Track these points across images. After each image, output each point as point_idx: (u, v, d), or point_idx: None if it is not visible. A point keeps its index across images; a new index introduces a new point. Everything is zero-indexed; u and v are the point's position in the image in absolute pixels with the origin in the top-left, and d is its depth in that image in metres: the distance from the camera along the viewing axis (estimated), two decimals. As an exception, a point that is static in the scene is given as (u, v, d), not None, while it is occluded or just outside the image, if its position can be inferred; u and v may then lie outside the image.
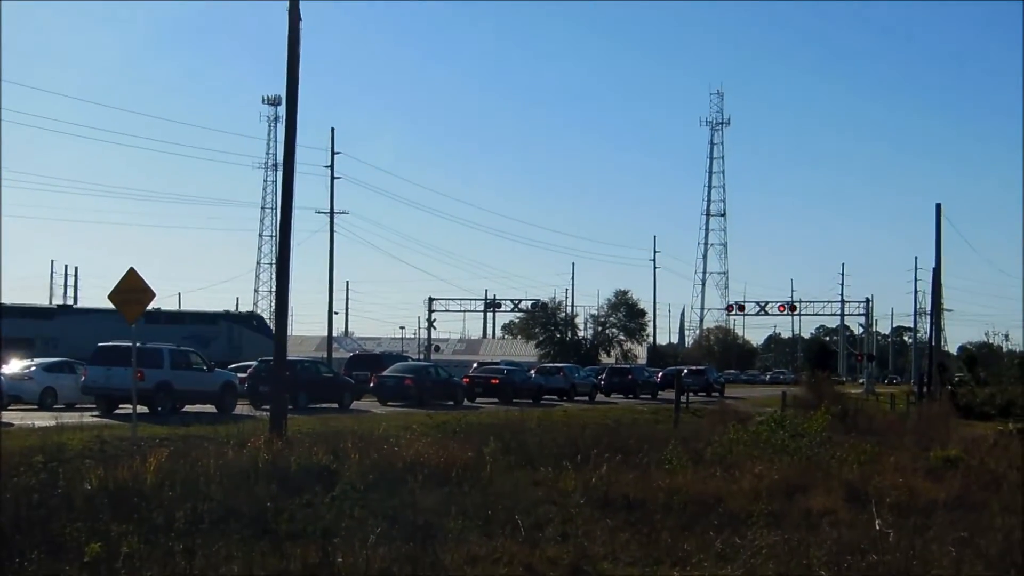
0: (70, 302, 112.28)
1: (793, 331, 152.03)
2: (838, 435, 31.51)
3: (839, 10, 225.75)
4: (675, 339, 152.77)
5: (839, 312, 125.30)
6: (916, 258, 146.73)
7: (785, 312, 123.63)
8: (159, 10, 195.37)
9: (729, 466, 24.06)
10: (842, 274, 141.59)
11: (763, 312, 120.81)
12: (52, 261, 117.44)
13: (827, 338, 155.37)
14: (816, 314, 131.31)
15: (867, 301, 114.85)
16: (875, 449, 27.75)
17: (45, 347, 55.27)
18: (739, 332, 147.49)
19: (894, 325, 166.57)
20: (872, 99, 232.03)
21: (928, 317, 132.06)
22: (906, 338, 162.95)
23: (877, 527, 16.61)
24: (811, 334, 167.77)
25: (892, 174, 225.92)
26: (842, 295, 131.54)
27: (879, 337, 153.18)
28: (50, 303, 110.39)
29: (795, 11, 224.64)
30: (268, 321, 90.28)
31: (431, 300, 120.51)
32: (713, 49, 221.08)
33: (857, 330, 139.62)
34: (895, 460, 26.17)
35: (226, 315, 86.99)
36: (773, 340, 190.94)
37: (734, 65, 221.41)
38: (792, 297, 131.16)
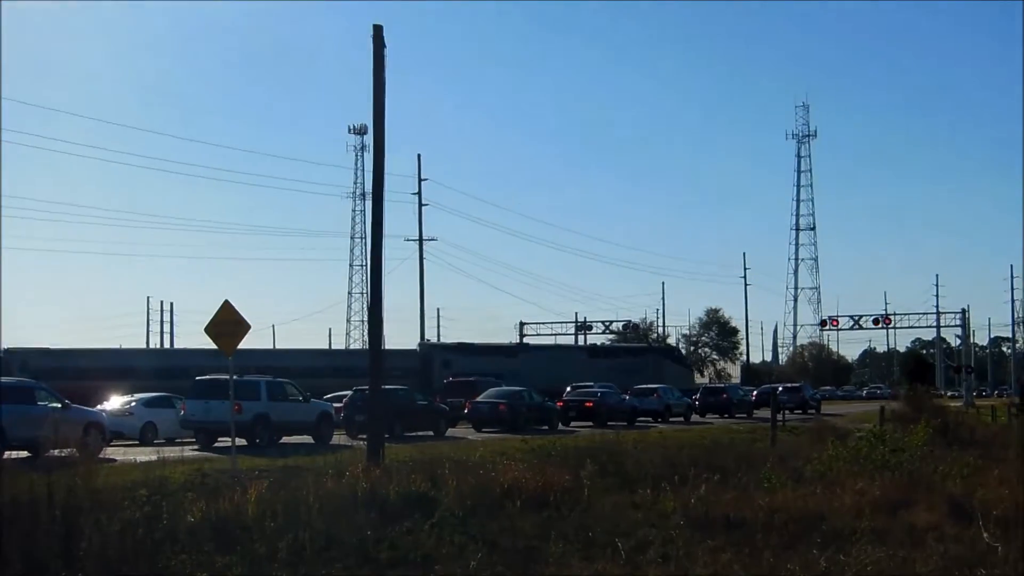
0: (167, 338, 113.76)
1: (888, 345, 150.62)
2: (939, 449, 31.06)
3: (926, 18, 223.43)
4: (768, 357, 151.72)
5: (935, 324, 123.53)
6: (1012, 267, 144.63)
7: (880, 326, 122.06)
8: (243, 42, 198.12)
9: (829, 483, 23.79)
10: (936, 285, 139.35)
11: (857, 326, 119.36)
12: (148, 298, 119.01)
13: (924, 351, 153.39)
14: (911, 327, 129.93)
15: (963, 312, 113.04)
16: (978, 462, 27.32)
17: (511, 382, 61.35)
18: (833, 347, 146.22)
19: (992, 336, 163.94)
20: (960, 108, 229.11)
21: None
22: (1004, 348, 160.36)
23: (984, 541, 16.34)
24: (907, 347, 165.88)
25: (985, 182, 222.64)
26: (937, 306, 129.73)
27: (977, 348, 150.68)
28: (147, 340, 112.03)
29: (881, 21, 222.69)
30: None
31: (522, 324, 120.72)
32: (798, 61, 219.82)
33: (954, 342, 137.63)
34: (999, 473, 25.70)
35: (650, 348, 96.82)
36: (868, 355, 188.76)
37: (820, 77, 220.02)
38: (886, 310, 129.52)
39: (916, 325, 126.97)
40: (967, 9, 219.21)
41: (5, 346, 63.78)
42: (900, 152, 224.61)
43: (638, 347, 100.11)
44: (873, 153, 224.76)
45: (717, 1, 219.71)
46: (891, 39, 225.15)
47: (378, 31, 28.37)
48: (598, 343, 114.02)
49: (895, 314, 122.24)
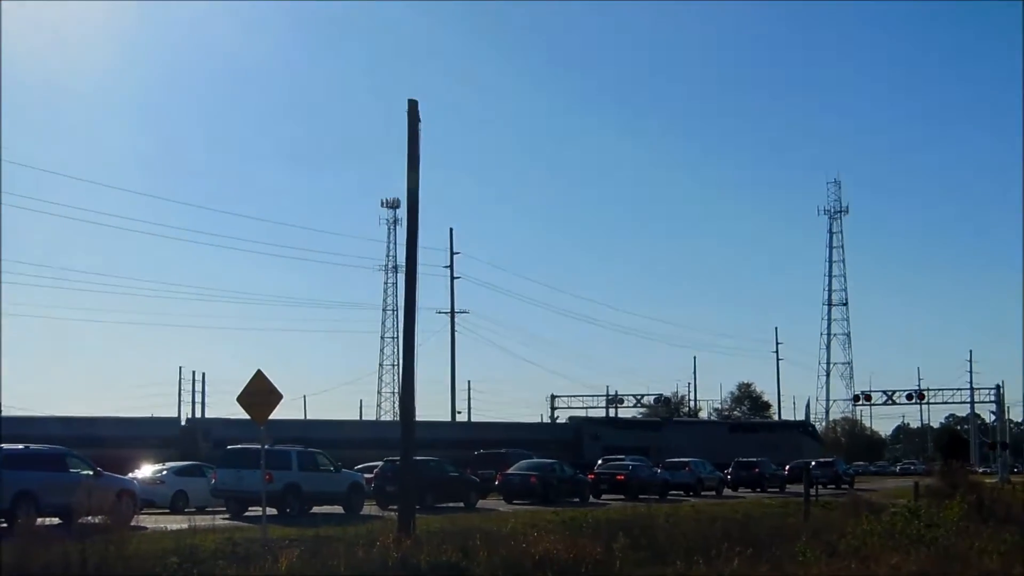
0: (198, 408, 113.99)
1: (922, 420, 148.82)
2: (975, 525, 30.73)
3: (959, 94, 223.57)
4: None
5: (969, 400, 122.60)
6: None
7: (913, 401, 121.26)
8: (278, 115, 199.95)
9: (864, 558, 23.58)
10: (970, 361, 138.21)
11: (890, 402, 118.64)
12: (180, 368, 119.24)
13: (958, 427, 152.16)
14: (945, 402, 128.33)
15: (998, 388, 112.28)
16: (1015, 538, 27.01)
17: (658, 455, 66.04)
18: (866, 423, 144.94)
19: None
20: (991, 184, 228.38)
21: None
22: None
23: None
24: (941, 423, 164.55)
25: (1019, 258, 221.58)
26: (971, 382, 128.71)
27: (1012, 425, 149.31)
28: (179, 410, 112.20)
29: (913, 97, 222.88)
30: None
31: (553, 397, 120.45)
32: (830, 138, 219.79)
33: (989, 418, 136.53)
34: (1037, 549, 25.42)
35: (787, 424, 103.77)
36: (902, 430, 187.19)
37: (852, 153, 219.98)
38: (920, 385, 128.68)
39: (950, 401, 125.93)
40: (999, 86, 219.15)
41: (59, 413, 66.59)
42: (932, 227, 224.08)
43: (776, 422, 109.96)
44: (905, 228, 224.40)
45: (750, 78, 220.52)
46: (924, 115, 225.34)
47: (413, 106, 28.58)
48: (741, 419, 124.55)
49: (929, 389, 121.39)
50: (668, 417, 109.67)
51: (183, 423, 75.28)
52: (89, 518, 21.97)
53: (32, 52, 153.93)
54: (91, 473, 31.28)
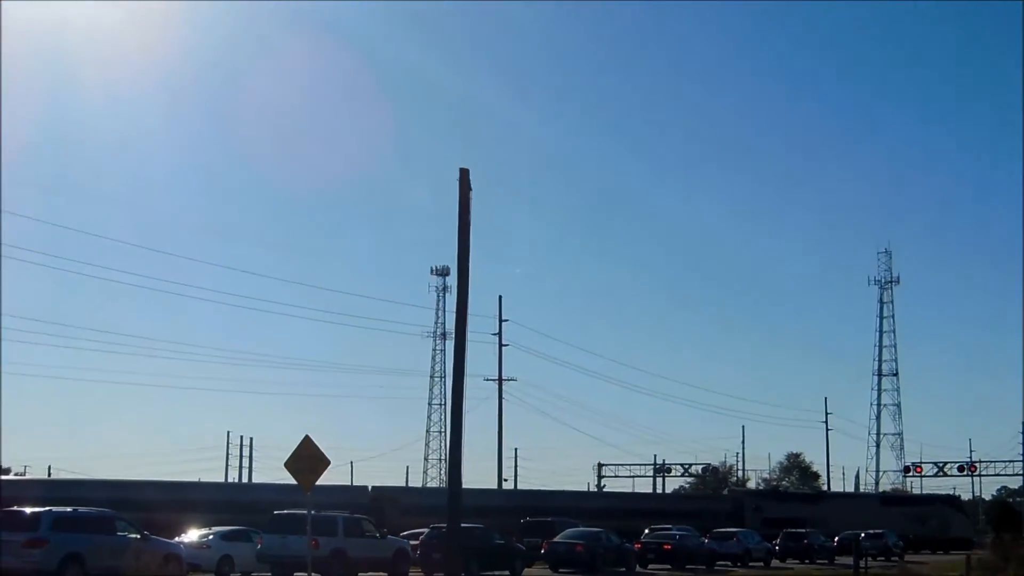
0: (245, 473, 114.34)
1: (973, 492, 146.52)
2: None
3: (1008, 163, 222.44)
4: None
5: (1021, 472, 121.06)
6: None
7: (965, 473, 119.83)
8: (327, 184, 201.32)
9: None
10: (1022, 432, 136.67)
11: (941, 473, 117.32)
12: (228, 432, 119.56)
13: (1010, 499, 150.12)
14: (997, 474, 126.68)
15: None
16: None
17: (816, 526, 71.02)
18: (917, 494, 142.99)
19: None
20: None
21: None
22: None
23: None
24: (992, 495, 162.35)
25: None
26: (1023, 454, 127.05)
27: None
28: (226, 474, 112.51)
29: (961, 167, 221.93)
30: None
31: (600, 465, 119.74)
32: (880, 208, 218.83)
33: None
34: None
35: (937, 498, 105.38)
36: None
37: (902, 223, 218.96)
38: (971, 457, 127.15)
39: (1003, 473, 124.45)
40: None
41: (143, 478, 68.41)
42: (983, 296, 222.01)
43: (925, 496, 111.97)
44: (956, 298, 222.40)
45: (801, 147, 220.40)
46: (972, 185, 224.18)
47: (464, 174, 28.79)
48: (889, 492, 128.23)
49: (980, 461, 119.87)
50: (824, 491, 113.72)
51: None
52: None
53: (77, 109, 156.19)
54: (138, 536, 31.40)
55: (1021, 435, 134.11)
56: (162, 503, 59.76)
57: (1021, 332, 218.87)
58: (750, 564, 59.10)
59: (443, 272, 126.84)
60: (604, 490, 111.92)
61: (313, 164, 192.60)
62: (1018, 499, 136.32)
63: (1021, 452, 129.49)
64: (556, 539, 50.07)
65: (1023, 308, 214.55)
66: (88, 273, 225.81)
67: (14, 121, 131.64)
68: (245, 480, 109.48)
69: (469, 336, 29.77)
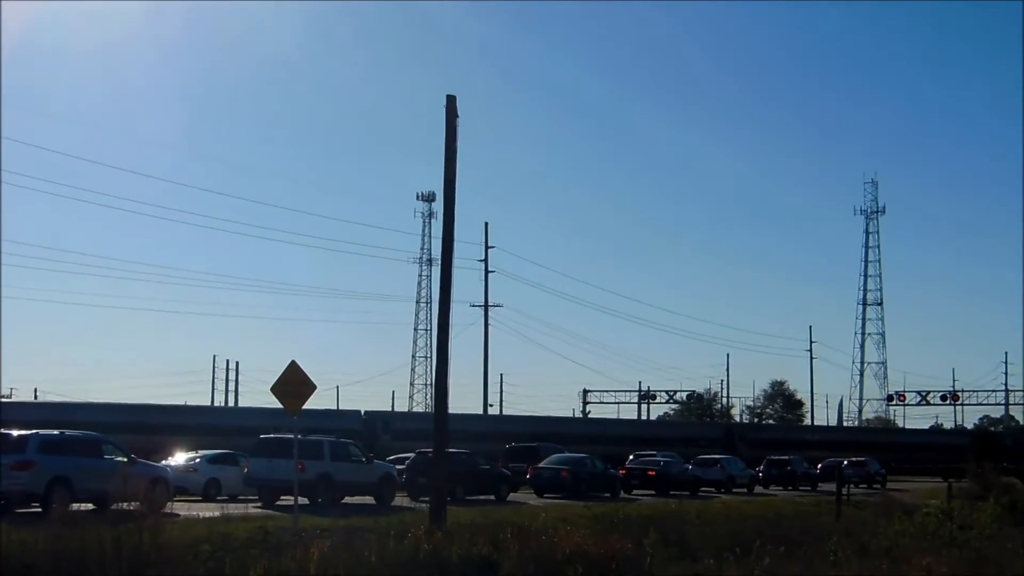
0: (231, 396, 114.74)
1: (956, 422, 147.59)
2: (1008, 527, 30.54)
3: (995, 93, 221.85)
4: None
5: (1004, 402, 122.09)
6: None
7: (947, 402, 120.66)
8: (312, 106, 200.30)
9: (895, 559, 23.47)
10: (1005, 362, 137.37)
11: (924, 402, 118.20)
12: (214, 356, 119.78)
13: (992, 428, 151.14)
14: (980, 404, 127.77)
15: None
16: (1049, 542, 26.81)
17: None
18: (900, 423, 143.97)
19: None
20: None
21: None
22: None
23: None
24: (975, 424, 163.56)
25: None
26: (1006, 384, 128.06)
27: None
28: (211, 398, 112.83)
29: (947, 96, 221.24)
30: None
31: (585, 392, 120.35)
32: (866, 137, 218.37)
33: (1023, 419, 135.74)
34: (1071, 553, 25.24)
35: None
36: (935, 431, 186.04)
37: (888, 152, 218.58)
38: (954, 386, 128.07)
39: (985, 403, 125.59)
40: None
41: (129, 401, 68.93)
42: (969, 227, 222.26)
43: None
44: (942, 228, 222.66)
45: (786, 77, 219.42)
46: (958, 114, 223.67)
47: (451, 101, 28.64)
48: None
49: (963, 391, 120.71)
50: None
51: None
52: (123, 504, 22.10)
53: (50, 24, 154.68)
54: (125, 460, 31.49)
55: (1004, 364, 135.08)
56: (150, 426, 60.13)
57: (1007, 261, 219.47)
58: (734, 491, 59.59)
59: (429, 198, 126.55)
60: (589, 416, 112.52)
61: (299, 89, 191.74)
62: (1000, 428, 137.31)
63: (1003, 382, 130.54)
64: (541, 464, 50.43)
65: (1021, 241, 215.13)
66: (74, 197, 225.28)
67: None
68: (231, 404, 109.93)
69: (455, 262, 29.75)
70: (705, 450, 69.01)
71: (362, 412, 75.78)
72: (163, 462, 40.40)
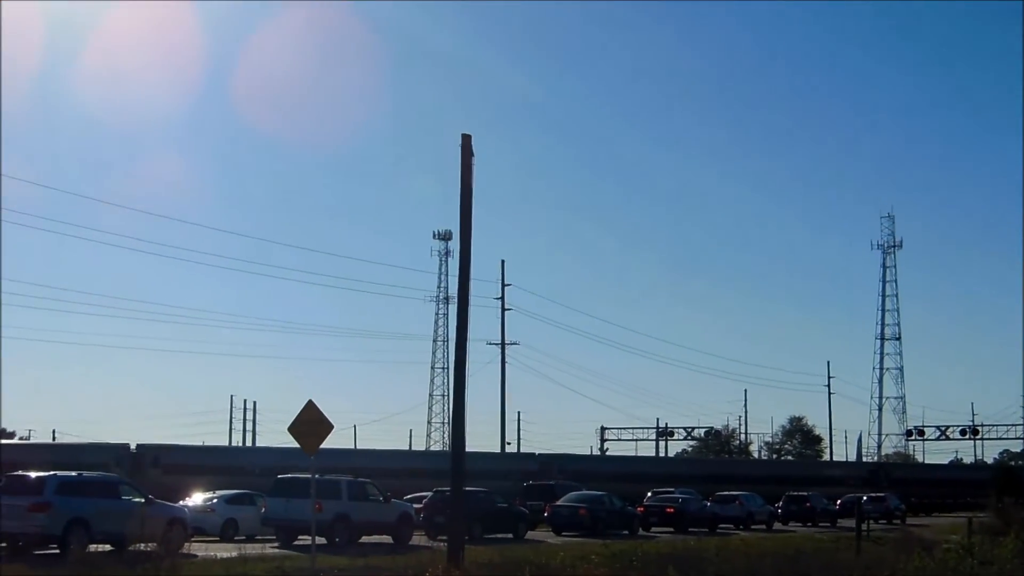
0: (248, 436, 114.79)
1: (976, 456, 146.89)
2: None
3: (1004, 127, 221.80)
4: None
5: (1023, 435, 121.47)
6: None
7: (967, 436, 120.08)
8: (329, 147, 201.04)
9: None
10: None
11: (944, 437, 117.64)
12: (232, 396, 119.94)
13: (1012, 463, 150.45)
14: (1000, 438, 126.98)
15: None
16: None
17: None
18: (919, 458, 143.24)
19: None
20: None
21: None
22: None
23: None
24: (995, 459, 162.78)
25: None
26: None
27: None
28: (229, 438, 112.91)
29: (963, 131, 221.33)
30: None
31: (603, 429, 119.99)
32: (883, 172, 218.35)
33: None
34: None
35: None
36: (955, 466, 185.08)
37: (905, 186, 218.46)
38: (973, 420, 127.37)
39: (1005, 437, 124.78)
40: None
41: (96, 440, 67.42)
42: (986, 260, 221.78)
43: None
44: (959, 262, 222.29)
45: (807, 112, 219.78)
46: (974, 149, 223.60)
47: (467, 140, 28.75)
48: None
49: (983, 425, 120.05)
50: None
51: None
52: (140, 545, 22.11)
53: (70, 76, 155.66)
54: (143, 500, 31.50)
55: (1022, 398, 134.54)
56: (171, 467, 60.09)
57: (1022, 295, 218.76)
58: (752, 527, 59.30)
59: (445, 236, 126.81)
60: (607, 453, 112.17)
61: (315, 128, 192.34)
62: (1020, 462, 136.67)
63: (1022, 415, 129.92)
64: (559, 502, 50.28)
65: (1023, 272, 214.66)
66: (91, 238, 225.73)
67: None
68: (249, 444, 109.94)
69: (472, 300, 29.78)
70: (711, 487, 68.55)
71: (132, 445, 72.14)
72: (180, 502, 40.38)
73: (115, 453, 60.66)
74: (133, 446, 63.25)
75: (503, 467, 76.38)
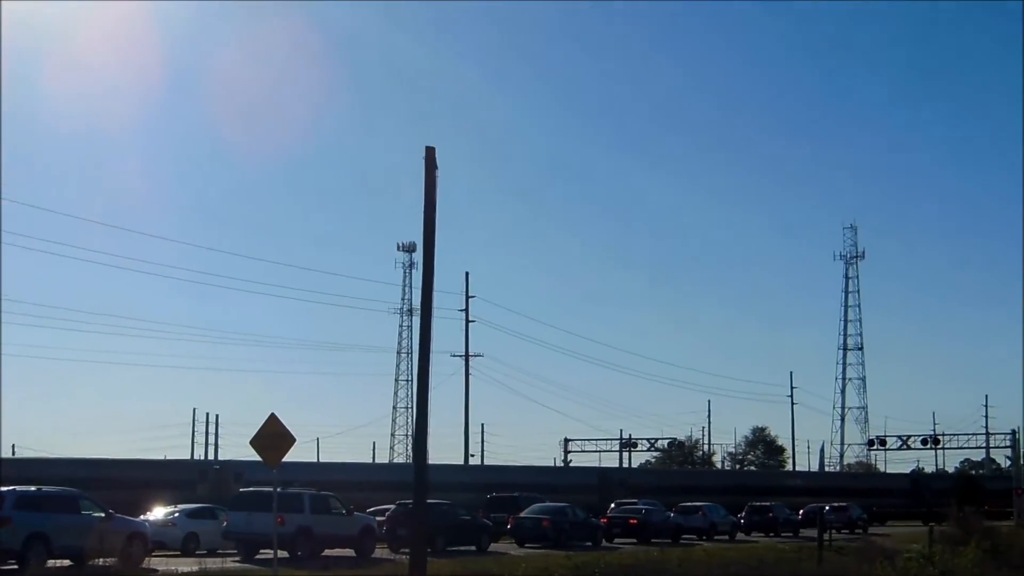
0: (211, 450, 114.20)
1: (937, 465, 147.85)
2: (990, 571, 30.56)
3: (973, 137, 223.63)
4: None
5: (984, 445, 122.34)
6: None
7: (928, 446, 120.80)
8: (291, 158, 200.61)
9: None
10: (986, 405, 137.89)
11: (905, 446, 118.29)
12: (194, 409, 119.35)
13: (973, 472, 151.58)
14: (961, 447, 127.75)
15: (1013, 433, 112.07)
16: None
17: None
18: (881, 467, 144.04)
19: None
20: (1010, 226, 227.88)
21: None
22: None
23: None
24: (955, 468, 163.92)
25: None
26: (987, 427, 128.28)
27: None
28: (191, 451, 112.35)
29: (926, 143, 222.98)
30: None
31: (567, 440, 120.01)
32: (846, 183, 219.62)
33: (1004, 463, 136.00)
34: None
35: None
36: (916, 475, 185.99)
37: (868, 198, 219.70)
38: (935, 430, 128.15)
39: (966, 446, 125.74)
40: (1009, 127, 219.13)
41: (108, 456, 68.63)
42: (948, 271, 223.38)
43: None
44: (922, 273, 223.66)
45: (766, 124, 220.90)
46: (936, 160, 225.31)
47: (430, 152, 28.73)
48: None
49: (944, 434, 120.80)
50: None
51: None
52: (100, 560, 21.96)
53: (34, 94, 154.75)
54: (103, 515, 31.29)
55: (984, 408, 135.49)
56: (128, 481, 59.73)
57: (985, 305, 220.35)
58: (715, 538, 59.44)
59: (409, 248, 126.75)
60: (571, 465, 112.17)
61: (278, 140, 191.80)
62: (981, 472, 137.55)
63: (984, 425, 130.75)
64: (522, 514, 50.25)
65: (1022, 285, 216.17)
66: (47, 250, 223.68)
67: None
68: (212, 457, 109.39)
69: (435, 312, 29.70)
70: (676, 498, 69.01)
71: (214, 461, 75.40)
72: (141, 517, 40.13)
73: (199, 470, 64.76)
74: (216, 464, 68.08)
75: (566, 481, 79.86)
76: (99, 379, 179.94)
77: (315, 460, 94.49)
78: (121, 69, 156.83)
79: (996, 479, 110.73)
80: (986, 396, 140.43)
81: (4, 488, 31.18)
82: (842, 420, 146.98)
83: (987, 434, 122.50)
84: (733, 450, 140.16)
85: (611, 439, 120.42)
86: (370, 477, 72.15)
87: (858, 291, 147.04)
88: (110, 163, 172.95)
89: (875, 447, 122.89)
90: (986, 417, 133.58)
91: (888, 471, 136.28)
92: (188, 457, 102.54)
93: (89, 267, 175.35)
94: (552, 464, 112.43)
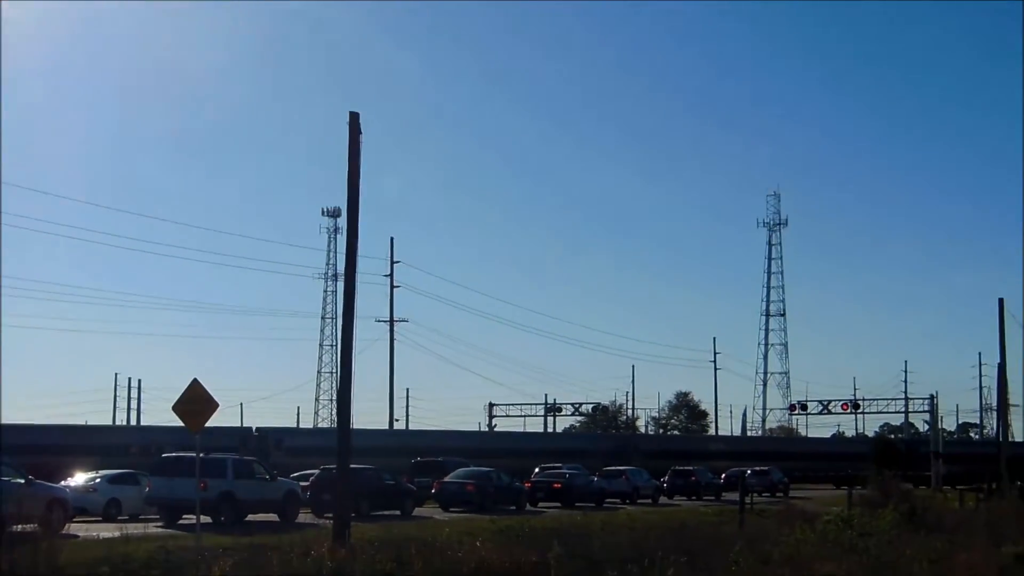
0: (134, 415, 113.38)
1: (857, 430, 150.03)
2: (907, 533, 31.05)
3: (896, 105, 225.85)
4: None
5: (903, 410, 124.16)
6: (980, 354, 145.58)
7: (848, 411, 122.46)
8: (217, 121, 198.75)
9: (797, 566, 23.77)
10: (905, 371, 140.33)
11: (826, 411, 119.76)
12: (116, 375, 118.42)
13: (892, 436, 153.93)
14: (880, 412, 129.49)
15: (932, 398, 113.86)
16: (945, 547, 27.31)
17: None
18: (802, 431, 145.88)
19: (960, 422, 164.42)
20: (931, 195, 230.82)
21: (995, 413, 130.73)
22: (972, 435, 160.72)
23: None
24: (875, 432, 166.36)
25: (955, 269, 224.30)
26: (906, 392, 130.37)
27: (945, 434, 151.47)
28: (113, 417, 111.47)
29: (849, 108, 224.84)
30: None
31: (491, 405, 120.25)
32: (769, 150, 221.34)
33: (922, 427, 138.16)
34: (966, 558, 25.71)
35: None
36: (837, 439, 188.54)
37: (791, 165, 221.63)
38: (855, 395, 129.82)
39: (885, 411, 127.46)
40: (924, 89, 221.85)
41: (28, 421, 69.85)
42: (870, 238, 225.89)
43: None
44: (844, 239, 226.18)
45: (689, 89, 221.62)
46: (859, 128, 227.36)
47: (354, 118, 28.65)
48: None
49: (864, 399, 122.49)
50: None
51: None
52: (19, 527, 21.72)
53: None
54: (22, 481, 30.92)
55: (904, 373, 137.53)
56: (49, 447, 59.15)
57: (905, 272, 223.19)
58: (639, 502, 59.91)
59: (334, 213, 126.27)
60: (496, 429, 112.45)
61: (201, 103, 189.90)
62: (899, 436, 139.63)
63: (903, 390, 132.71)
64: (447, 479, 50.36)
65: (922, 251, 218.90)
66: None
67: None
68: (134, 423, 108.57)
69: (360, 277, 29.72)
70: (602, 462, 69.58)
71: (254, 428, 75.37)
72: (62, 483, 39.75)
73: (241, 436, 67.54)
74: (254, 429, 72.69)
75: (594, 447, 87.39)
76: (20, 345, 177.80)
77: (239, 425, 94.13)
78: (43, 31, 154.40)
79: (915, 443, 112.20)
80: (905, 362, 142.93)
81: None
82: (764, 385, 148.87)
83: (906, 399, 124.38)
84: (657, 415, 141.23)
85: (536, 404, 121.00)
86: (294, 442, 72.08)
87: (781, 258, 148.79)
88: (29, 126, 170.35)
89: (796, 412, 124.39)
90: (905, 383, 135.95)
91: (809, 435, 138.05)
92: (110, 423, 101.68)
93: (13, 232, 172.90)
94: (477, 429, 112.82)
